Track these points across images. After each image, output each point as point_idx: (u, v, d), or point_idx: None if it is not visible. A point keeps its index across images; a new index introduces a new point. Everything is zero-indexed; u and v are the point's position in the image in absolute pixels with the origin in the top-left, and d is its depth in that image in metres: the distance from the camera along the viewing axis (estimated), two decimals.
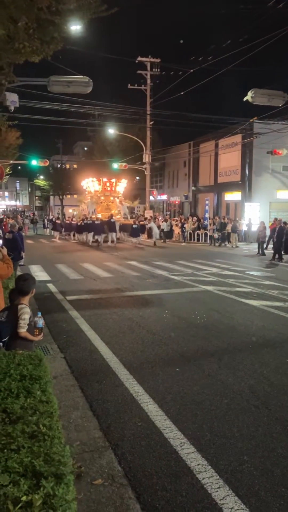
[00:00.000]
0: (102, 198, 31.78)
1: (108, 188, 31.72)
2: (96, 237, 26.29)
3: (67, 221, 33.85)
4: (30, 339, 4.29)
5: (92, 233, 26.59)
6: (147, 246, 25.69)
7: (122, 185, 32.43)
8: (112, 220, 26.52)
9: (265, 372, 5.70)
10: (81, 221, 29.30)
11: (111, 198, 32.04)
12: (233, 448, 3.87)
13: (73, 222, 32.34)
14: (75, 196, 43.16)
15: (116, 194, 32.31)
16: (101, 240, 26.12)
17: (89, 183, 32.15)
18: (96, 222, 26.70)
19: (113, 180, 31.99)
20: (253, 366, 5.90)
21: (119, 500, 3.10)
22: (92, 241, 26.67)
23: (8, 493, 1.76)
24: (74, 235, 31.60)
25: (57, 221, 35.18)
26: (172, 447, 3.87)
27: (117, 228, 27.04)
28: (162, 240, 29.58)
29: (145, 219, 30.91)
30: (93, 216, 28.64)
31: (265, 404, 4.75)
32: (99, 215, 29.26)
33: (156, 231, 27.26)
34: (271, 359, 6.22)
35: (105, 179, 31.70)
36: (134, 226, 26.32)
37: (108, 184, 31.61)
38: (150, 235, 27.78)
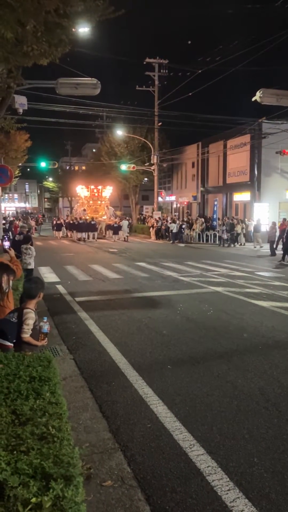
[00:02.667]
0: (91, 202, 37.61)
1: (96, 194, 37.70)
2: (82, 234, 32.03)
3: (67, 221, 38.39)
4: (33, 344, 4.26)
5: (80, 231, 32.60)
6: (120, 241, 30.92)
7: (108, 191, 38.17)
8: (92, 222, 32.72)
9: (275, 373, 5.67)
10: (72, 221, 34.61)
11: (98, 202, 37.87)
12: (243, 450, 3.85)
13: (66, 220, 38.12)
14: None
15: (102, 199, 38.08)
16: (85, 237, 32.04)
17: (79, 190, 38.18)
18: (81, 222, 32.65)
19: (99, 187, 37.92)
20: (262, 368, 5.87)
21: (128, 502, 3.09)
22: (79, 238, 31.90)
23: (18, 494, 1.76)
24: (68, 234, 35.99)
25: (57, 222, 38.62)
26: (181, 448, 3.86)
27: (104, 227, 34.21)
28: (171, 241, 29.58)
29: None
30: (83, 217, 34.49)
31: (275, 406, 4.72)
32: (87, 216, 34.91)
33: (125, 229, 31.97)
34: (281, 360, 6.18)
35: (92, 186, 37.79)
36: (115, 225, 32.56)
37: (95, 190, 37.67)
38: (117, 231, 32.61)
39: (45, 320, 4.40)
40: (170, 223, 31.53)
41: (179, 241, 29.10)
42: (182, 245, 28.00)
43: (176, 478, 3.44)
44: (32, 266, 11.78)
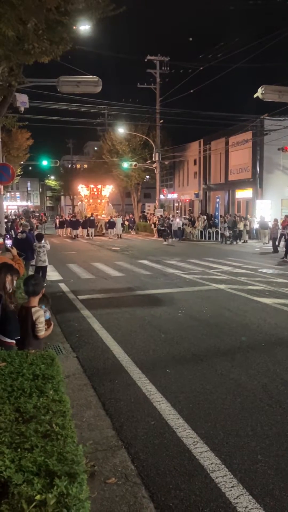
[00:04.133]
0: (91, 201, 38.40)
1: (96, 193, 38.48)
2: (76, 231, 33.15)
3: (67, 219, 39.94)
4: (45, 336, 4.43)
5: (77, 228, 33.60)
6: (116, 238, 31.94)
7: (107, 190, 38.77)
8: (91, 218, 33.70)
9: (278, 370, 5.66)
10: (70, 218, 36.20)
11: (98, 201, 38.67)
12: (246, 447, 3.85)
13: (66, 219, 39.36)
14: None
15: (102, 198, 38.77)
16: (81, 233, 33.56)
17: (80, 189, 39.13)
18: (73, 219, 34.05)
19: (99, 186, 38.58)
20: (266, 365, 5.86)
21: (132, 499, 3.10)
22: (77, 235, 33.13)
23: (22, 492, 1.77)
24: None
25: (60, 220, 39.69)
26: (185, 446, 3.86)
27: (103, 224, 35.25)
28: (177, 239, 29.60)
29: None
30: (83, 214, 36.04)
31: (278, 403, 4.72)
32: (87, 215, 35.85)
33: (118, 227, 33.26)
34: (284, 357, 6.17)
35: (92, 186, 38.52)
36: (110, 220, 34.19)
37: (95, 189, 38.42)
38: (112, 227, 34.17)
39: (43, 308, 4.52)
40: (172, 220, 31.45)
41: (164, 239, 28.04)
42: (166, 242, 27.02)
43: (180, 475, 3.44)
44: (47, 263, 11.94)
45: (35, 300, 4.46)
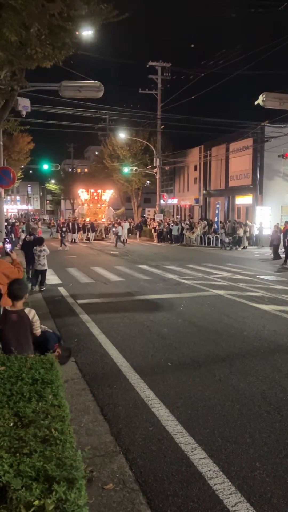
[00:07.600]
0: (91, 205, 38.79)
1: (96, 198, 38.83)
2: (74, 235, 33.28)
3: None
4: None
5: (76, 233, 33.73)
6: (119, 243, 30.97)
7: (107, 195, 39.15)
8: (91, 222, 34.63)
9: (277, 377, 5.66)
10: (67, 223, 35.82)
11: (98, 205, 39.07)
12: (245, 454, 3.84)
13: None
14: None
15: (102, 202, 39.17)
16: (80, 238, 33.85)
17: (80, 193, 39.58)
18: (70, 223, 33.60)
19: (99, 190, 38.87)
20: (264, 371, 5.85)
21: (130, 505, 3.09)
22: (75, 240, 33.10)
23: (20, 497, 1.77)
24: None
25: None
26: (183, 452, 3.85)
27: (103, 229, 35.70)
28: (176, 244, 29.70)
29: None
30: (81, 219, 36.17)
31: (277, 410, 4.71)
32: (87, 219, 36.58)
33: (125, 231, 32.57)
34: (283, 364, 6.16)
35: (92, 190, 38.79)
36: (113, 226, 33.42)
37: (95, 194, 38.74)
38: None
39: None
40: (173, 225, 31.63)
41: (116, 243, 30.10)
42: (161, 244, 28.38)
43: (178, 482, 3.43)
44: (46, 266, 12.02)
45: (20, 304, 4.48)
